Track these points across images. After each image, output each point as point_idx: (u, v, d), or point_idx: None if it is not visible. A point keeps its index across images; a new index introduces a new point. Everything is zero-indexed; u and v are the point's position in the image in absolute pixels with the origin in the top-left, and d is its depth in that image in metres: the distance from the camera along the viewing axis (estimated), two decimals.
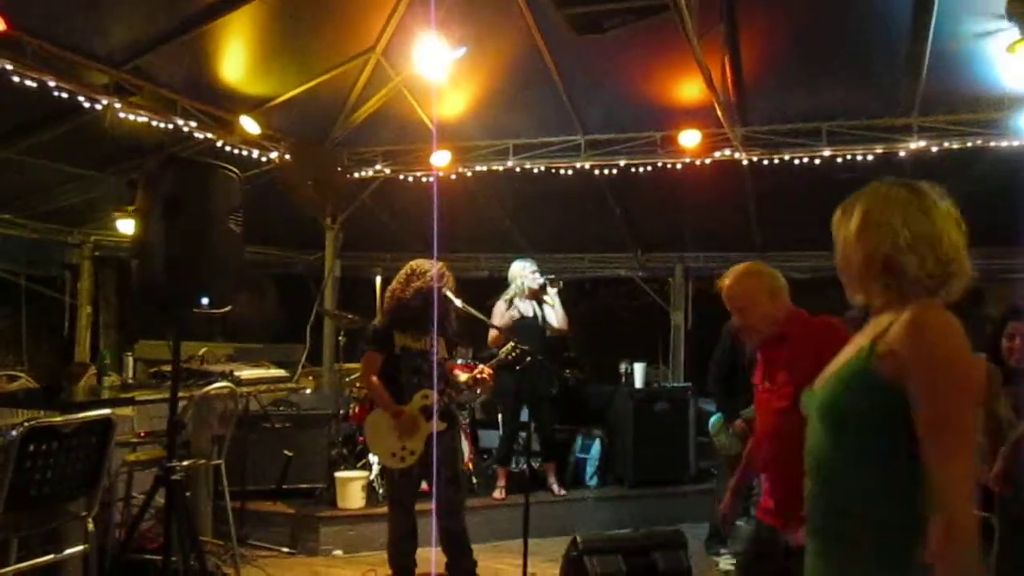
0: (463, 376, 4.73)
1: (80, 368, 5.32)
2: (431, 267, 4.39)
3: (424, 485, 4.48)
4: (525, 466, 6.50)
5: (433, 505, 4.34)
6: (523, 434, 6.54)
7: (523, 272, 6.20)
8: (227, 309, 3.60)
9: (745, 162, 6.78)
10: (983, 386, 4.03)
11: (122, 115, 5.80)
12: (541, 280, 6.17)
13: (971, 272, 1.79)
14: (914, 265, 1.76)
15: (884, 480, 1.74)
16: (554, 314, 6.21)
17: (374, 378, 4.39)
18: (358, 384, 7.03)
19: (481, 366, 4.65)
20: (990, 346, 4.14)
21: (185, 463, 4.31)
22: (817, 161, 6.51)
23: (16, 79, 5.04)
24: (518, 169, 7.30)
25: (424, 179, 7.77)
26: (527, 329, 6.00)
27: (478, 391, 4.85)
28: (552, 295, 6.20)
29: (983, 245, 8.67)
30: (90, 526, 3.66)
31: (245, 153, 7.03)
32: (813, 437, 1.86)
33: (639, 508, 6.39)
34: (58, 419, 3.54)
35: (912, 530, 1.69)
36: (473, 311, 4.68)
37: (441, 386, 4.40)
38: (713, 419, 5.26)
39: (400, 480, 4.41)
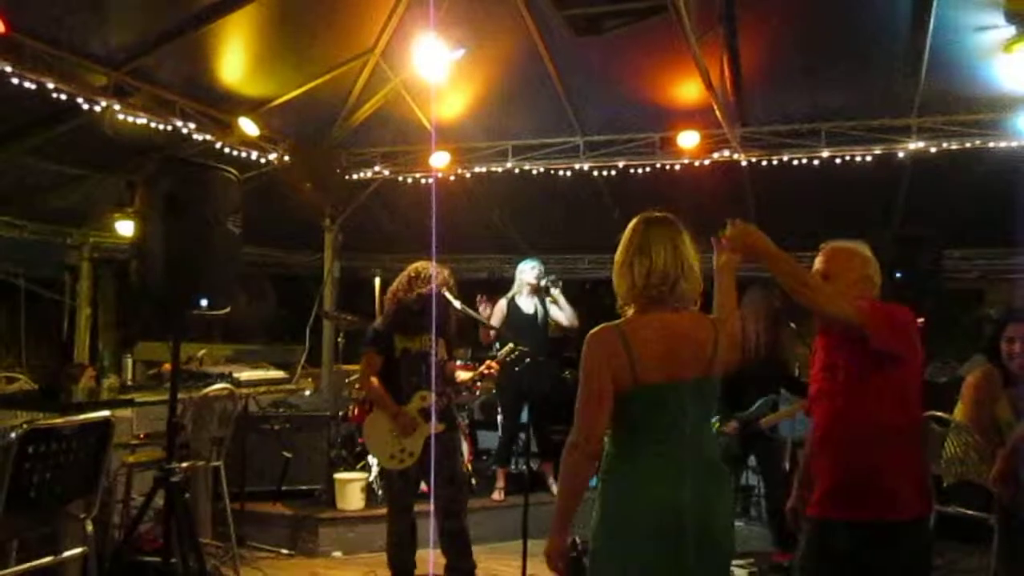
0: (466, 375, 4.73)
1: (78, 369, 5.32)
2: (432, 269, 4.39)
3: (423, 486, 4.48)
4: (524, 467, 6.49)
5: (431, 506, 4.34)
6: (522, 435, 6.54)
7: (522, 269, 6.21)
8: (226, 310, 3.61)
9: (744, 163, 6.79)
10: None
11: (121, 116, 5.80)
12: (543, 280, 6.16)
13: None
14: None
15: None
16: (562, 313, 6.20)
17: (374, 379, 4.39)
18: (357, 385, 7.03)
19: (488, 362, 4.65)
20: (990, 348, 4.14)
21: (184, 464, 4.31)
22: (816, 162, 6.52)
23: (15, 81, 5.03)
24: (517, 170, 7.30)
25: (423, 180, 7.78)
26: (527, 327, 5.99)
27: (477, 392, 4.85)
28: (556, 294, 6.20)
29: (982, 246, 8.72)
30: (89, 528, 3.65)
31: (244, 154, 7.02)
32: None
33: None
34: (57, 421, 3.54)
35: None
36: (472, 312, 4.68)
37: (441, 387, 4.40)
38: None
39: (399, 481, 4.41)
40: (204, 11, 5.45)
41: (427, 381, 4.35)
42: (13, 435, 3.32)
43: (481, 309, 5.92)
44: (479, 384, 4.72)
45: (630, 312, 2.50)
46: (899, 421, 2.65)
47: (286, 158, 7.37)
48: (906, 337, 2.66)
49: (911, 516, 2.64)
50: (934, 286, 5.51)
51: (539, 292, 6.17)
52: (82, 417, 3.58)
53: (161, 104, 6.04)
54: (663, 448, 2.37)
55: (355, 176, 7.88)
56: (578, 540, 4.25)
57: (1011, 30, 5.10)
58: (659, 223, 2.58)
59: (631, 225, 2.60)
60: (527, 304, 6.16)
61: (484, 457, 7.09)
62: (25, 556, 3.54)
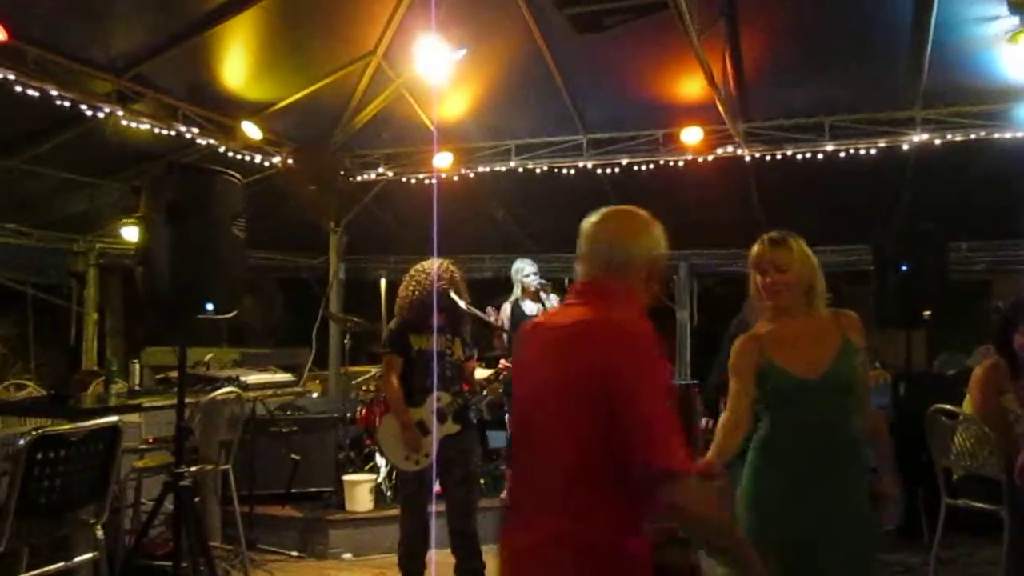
0: (484, 374, 4.74)
1: (89, 376, 5.33)
2: (434, 268, 4.39)
3: (437, 487, 4.48)
4: None
5: (435, 507, 4.34)
6: None
7: (520, 270, 6.22)
8: (232, 314, 3.62)
9: (748, 158, 6.77)
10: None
11: (124, 122, 5.83)
12: (537, 284, 6.18)
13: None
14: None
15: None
16: None
17: (395, 381, 4.37)
18: (364, 387, 7.03)
19: (503, 361, 4.66)
20: (998, 339, 4.11)
21: (193, 469, 4.30)
22: (820, 156, 6.50)
23: (18, 88, 5.06)
24: (520, 170, 7.30)
25: (427, 181, 7.78)
26: None
27: (484, 392, 4.86)
28: (551, 300, 6.22)
29: (988, 238, 8.69)
30: (99, 533, 3.66)
31: (247, 158, 7.04)
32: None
33: None
34: (66, 427, 3.54)
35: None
36: (477, 312, 4.67)
37: (458, 387, 4.40)
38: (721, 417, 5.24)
39: (414, 482, 4.40)
40: (205, 16, 5.46)
41: (442, 381, 4.34)
42: (22, 442, 3.33)
43: (491, 317, 5.94)
44: (499, 383, 4.73)
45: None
46: None
47: (290, 161, 7.38)
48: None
49: None
50: (940, 279, 5.49)
51: (536, 295, 6.19)
52: (90, 423, 3.59)
53: (164, 109, 6.05)
54: None
55: (358, 178, 7.89)
56: None
57: (1014, 20, 5.08)
58: None
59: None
60: (531, 308, 6.18)
61: (494, 457, 7.09)
62: (36, 562, 3.55)
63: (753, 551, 2.01)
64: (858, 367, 2.65)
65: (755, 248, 2.77)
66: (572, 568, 1.87)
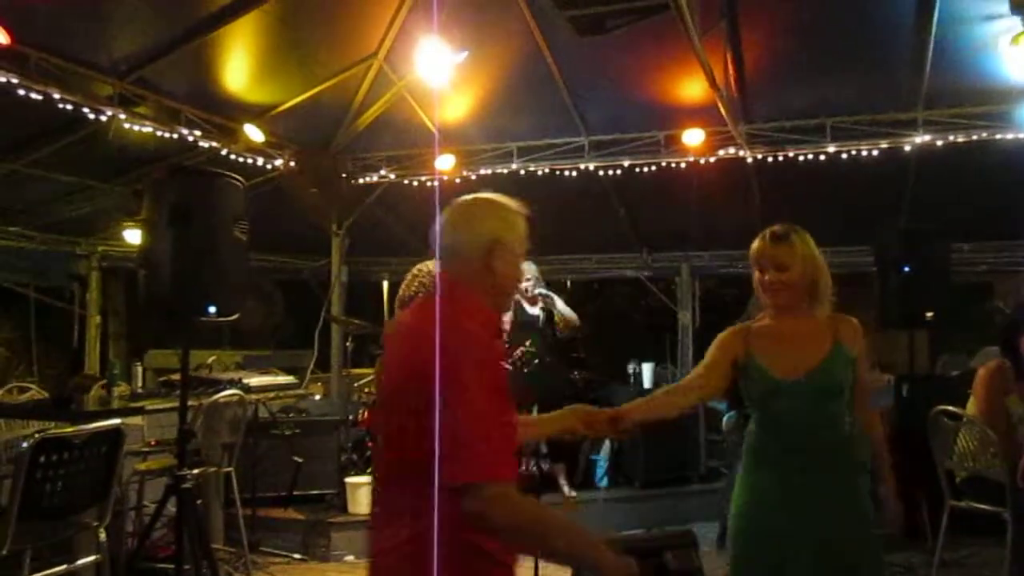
0: None
1: (87, 380, 5.33)
2: (436, 268, 4.39)
3: None
4: (535, 468, 6.49)
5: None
6: None
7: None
8: (234, 317, 3.62)
9: (749, 160, 6.76)
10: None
11: (127, 126, 5.83)
12: (533, 290, 6.18)
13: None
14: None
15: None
16: (562, 316, 6.21)
17: None
18: (366, 389, 7.02)
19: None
20: (1003, 341, 4.11)
21: (195, 471, 4.30)
22: (822, 157, 6.49)
23: (21, 92, 5.06)
24: (522, 171, 7.30)
25: (429, 183, 7.78)
26: (533, 330, 6.00)
27: None
28: (558, 303, 6.22)
29: (990, 239, 8.67)
30: (102, 536, 3.66)
31: (250, 161, 7.04)
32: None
33: (649, 508, 6.37)
34: (68, 430, 3.55)
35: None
36: None
37: None
38: (727, 417, 5.25)
39: None
40: (208, 19, 5.47)
41: None
42: (25, 445, 3.34)
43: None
44: None
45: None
46: None
47: (292, 164, 7.39)
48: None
49: None
50: (942, 280, 5.49)
51: (535, 300, 6.20)
52: (93, 426, 3.60)
53: (166, 113, 6.06)
54: None
55: (360, 181, 7.89)
56: None
57: (1016, 20, 5.07)
58: None
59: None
60: (533, 310, 6.18)
61: None
62: (39, 565, 3.56)
63: (603, 548, 1.82)
64: (848, 373, 2.54)
65: (755, 243, 2.67)
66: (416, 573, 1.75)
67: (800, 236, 2.61)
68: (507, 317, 6.15)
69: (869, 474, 2.57)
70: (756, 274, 2.65)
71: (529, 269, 6.34)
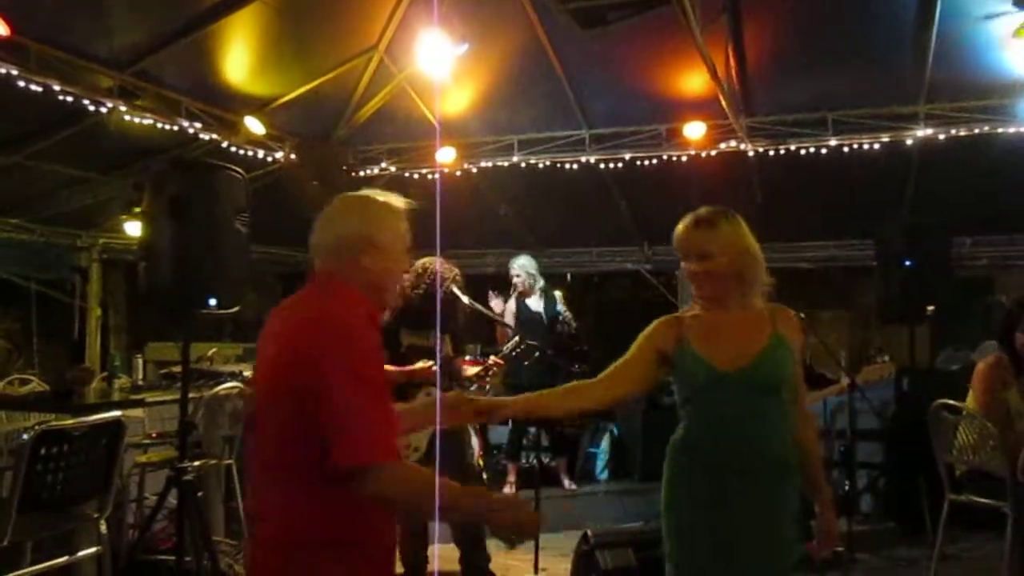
0: (472, 370, 4.73)
1: (84, 373, 5.32)
2: (437, 265, 4.39)
3: None
4: (535, 461, 6.51)
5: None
6: (532, 430, 6.54)
7: (511, 270, 6.30)
8: (235, 309, 3.61)
9: (751, 153, 6.76)
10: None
11: (127, 118, 5.82)
12: (527, 284, 6.21)
13: None
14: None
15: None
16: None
17: None
18: None
19: (492, 358, 4.66)
20: (1002, 335, 4.11)
21: (196, 463, 4.32)
22: (823, 151, 6.48)
23: (21, 84, 5.05)
24: (523, 164, 7.29)
25: (429, 176, 7.77)
26: (532, 324, 6.02)
27: (487, 387, 4.86)
28: (556, 296, 6.25)
29: (991, 233, 8.65)
30: (103, 528, 3.67)
31: (250, 153, 7.04)
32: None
33: (649, 501, 6.38)
34: (69, 422, 3.55)
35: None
36: (481, 307, 4.67)
37: (446, 383, 4.40)
38: None
39: None
40: (208, 11, 5.45)
41: (433, 377, 4.35)
42: (26, 437, 3.34)
43: (493, 304, 5.93)
44: (488, 379, 4.73)
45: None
46: None
47: (292, 156, 7.38)
48: None
49: None
50: (944, 274, 5.48)
51: (525, 293, 6.24)
52: (94, 418, 3.60)
53: (167, 105, 6.05)
54: None
55: (361, 173, 7.88)
56: (589, 534, 4.26)
57: (1019, 14, 5.06)
58: None
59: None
60: (535, 302, 6.20)
61: (495, 452, 7.10)
62: (40, 557, 3.57)
63: (493, 498, 2.00)
64: (789, 365, 2.35)
65: (679, 228, 2.46)
66: (285, 569, 1.84)
67: (729, 221, 2.43)
68: (510, 312, 6.18)
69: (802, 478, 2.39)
70: (682, 263, 2.47)
71: (526, 264, 6.36)
